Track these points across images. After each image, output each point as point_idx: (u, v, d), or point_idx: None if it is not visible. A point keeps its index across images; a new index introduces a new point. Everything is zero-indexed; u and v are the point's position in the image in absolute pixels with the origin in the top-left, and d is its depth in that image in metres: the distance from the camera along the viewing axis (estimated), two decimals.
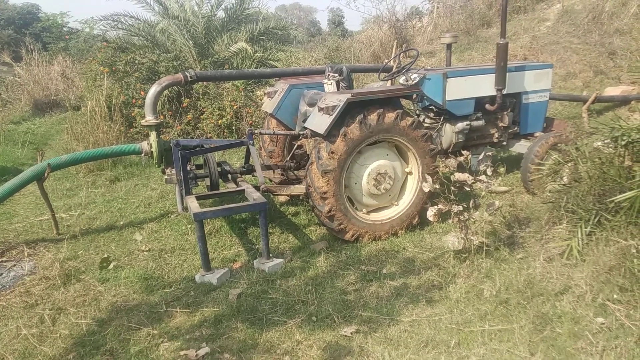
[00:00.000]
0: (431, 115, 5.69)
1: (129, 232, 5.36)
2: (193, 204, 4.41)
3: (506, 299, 3.49)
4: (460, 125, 5.47)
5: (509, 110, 5.84)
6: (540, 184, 5.12)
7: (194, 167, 5.37)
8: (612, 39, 10.13)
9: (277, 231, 5.19)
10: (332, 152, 4.42)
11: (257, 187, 4.83)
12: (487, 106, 5.62)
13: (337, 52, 12.47)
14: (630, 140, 3.78)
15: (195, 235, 4.33)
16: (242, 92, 9.11)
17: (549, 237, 4.13)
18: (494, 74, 5.42)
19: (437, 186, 4.15)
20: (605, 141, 4.03)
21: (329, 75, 5.32)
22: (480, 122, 5.62)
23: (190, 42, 10.04)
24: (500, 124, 5.84)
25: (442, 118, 5.56)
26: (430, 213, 4.15)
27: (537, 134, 5.96)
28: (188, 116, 9.09)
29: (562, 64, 9.72)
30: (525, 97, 5.88)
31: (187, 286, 4.15)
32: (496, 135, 5.87)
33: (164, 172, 5.39)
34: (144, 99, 5.52)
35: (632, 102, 7.82)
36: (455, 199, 4.07)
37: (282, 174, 5.41)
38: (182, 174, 4.81)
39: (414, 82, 5.26)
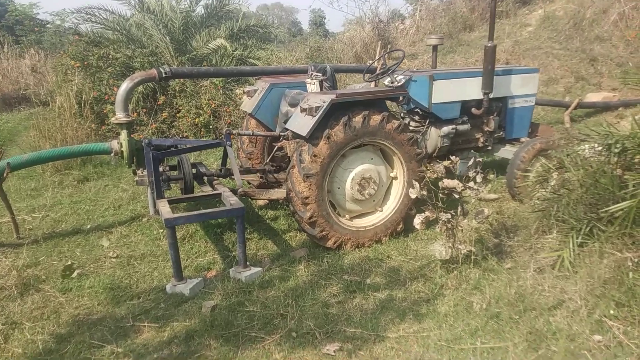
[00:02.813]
0: (416, 118, 5.51)
1: (96, 236, 5.02)
2: (165, 209, 4.11)
3: (497, 313, 3.31)
4: (446, 129, 5.30)
5: (495, 114, 5.71)
6: (526, 191, 4.99)
7: (167, 168, 5.07)
8: (592, 46, 10.19)
9: (255, 237, 4.92)
10: (315, 155, 4.19)
11: (234, 191, 4.56)
12: (474, 110, 5.47)
13: (318, 52, 12.26)
14: (623, 148, 3.66)
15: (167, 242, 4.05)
16: (221, 90, 8.80)
17: (539, 246, 3.97)
18: (481, 77, 5.28)
19: (425, 193, 3.96)
20: (597, 148, 3.90)
21: (312, 74, 5.09)
22: (466, 126, 5.46)
23: (167, 37, 9.68)
24: (486, 129, 5.69)
25: (427, 121, 5.39)
26: (417, 221, 3.95)
27: (522, 139, 5.84)
28: (163, 114, 8.74)
29: (544, 69, 9.70)
30: (511, 102, 5.76)
31: (157, 297, 3.86)
32: (481, 139, 5.72)
33: (135, 173, 5.08)
34: None
35: (620, 109, 7.83)
36: (443, 207, 3.89)
37: (261, 177, 5.16)
38: (153, 176, 4.51)
39: (399, 84, 5.08)
